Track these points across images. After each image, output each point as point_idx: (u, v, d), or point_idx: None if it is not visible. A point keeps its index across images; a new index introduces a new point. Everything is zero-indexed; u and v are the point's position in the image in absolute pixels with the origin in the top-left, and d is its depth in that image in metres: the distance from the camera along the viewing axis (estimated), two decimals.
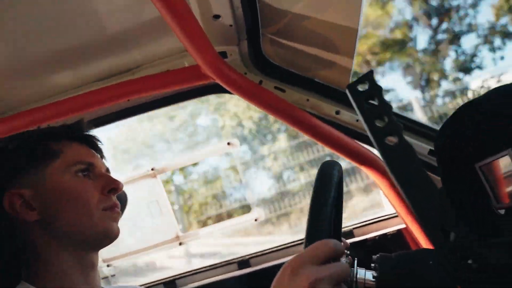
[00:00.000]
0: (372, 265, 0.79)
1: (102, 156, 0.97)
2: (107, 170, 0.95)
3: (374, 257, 0.81)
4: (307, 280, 0.51)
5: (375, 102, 0.60)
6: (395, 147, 0.57)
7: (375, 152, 1.26)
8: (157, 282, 1.54)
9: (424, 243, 1.19)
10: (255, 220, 1.54)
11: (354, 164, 1.26)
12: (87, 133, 0.94)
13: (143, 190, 1.57)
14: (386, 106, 0.59)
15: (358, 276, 0.76)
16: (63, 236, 0.83)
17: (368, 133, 0.59)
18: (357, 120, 1.26)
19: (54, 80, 1.28)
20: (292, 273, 0.53)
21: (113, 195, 0.89)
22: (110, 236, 0.86)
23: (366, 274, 0.77)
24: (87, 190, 0.84)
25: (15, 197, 0.83)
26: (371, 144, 1.27)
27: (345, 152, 1.23)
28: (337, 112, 1.27)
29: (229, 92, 1.25)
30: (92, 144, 0.95)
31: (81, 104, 1.25)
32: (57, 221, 0.82)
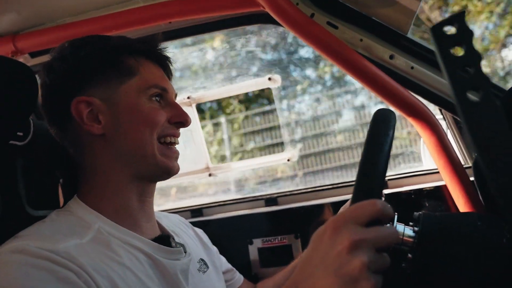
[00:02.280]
0: (411, 222, 0.76)
1: (170, 79, 0.94)
2: (176, 95, 0.93)
3: (416, 214, 0.77)
4: (349, 240, 0.48)
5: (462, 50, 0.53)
6: (479, 103, 0.50)
7: (426, 103, 1.18)
8: (184, 209, 1.57)
9: (461, 204, 1.15)
10: (288, 160, 1.52)
11: (401, 114, 1.18)
12: (162, 54, 0.91)
13: None
14: (474, 55, 0.52)
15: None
16: (125, 157, 0.82)
17: (449, 84, 0.52)
18: (412, 68, 1.17)
19: None
20: (334, 231, 0.50)
21: (176, 128, 0.88)
22: (169, 173, 0.85)
23: (405, 230, 0.74)
24: (158, 117, 0.83)
25: (83, 104, 0.81)
26: (422, 95, 1.19)
27: (394, 100, 1.15)
28: (391, 57, 1.17)
29: (278, 24, 1.16)
30: (165, 66, 0.92)
31: (121, 22, 1.20)
32: (121, 140, 0.81)
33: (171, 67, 0.93)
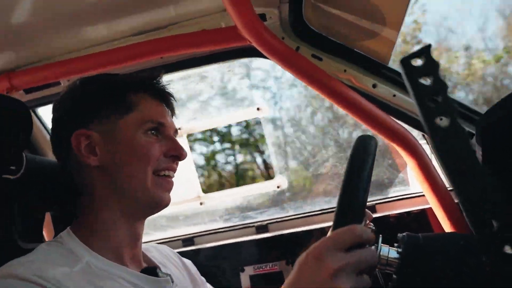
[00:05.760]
0: (396, 244, 0.78)
1: (173, 114, 0.96)
2: (176, 130, 0.95)
3: (400, 235, 0.80)
4: (331, 267, 0.51)
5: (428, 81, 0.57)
6: (447, 129, 0.54)
7: (408, 128, 1.23)
8: (175, 238, 1.58)
9: (447, 226, 1.18)
10: (278, 187, 1.55)
11: (385, 140, 1.23)
12: (163, 89, 0.93)
13: None
14: (441, 85, 0.56)
15: (381, 252, 0.76)
16: (120, 189, 0.84)
17: (419, 112, 0.56)
18: (394, 96, 1.23)
19: (87, 32, 1.26)
20: (316, 259, 0.53)
21: (172, 162, 0.89)
22: (160, 204, 0.86)
23: (389, 252, 0.76)
24: (153, 150, 0.85)
25: (82, 137, 0.85)
26: (405, 121, 1.24)
27: (378, 127, 1.20)
28: (374, 86, 1.23)
29: (265, 57, 1.21)
30: (166, 101, 0.94)
31: (114, 59, 1.24)
32: (117, 172, 0.84)
33: (174, 103, 0.96)
